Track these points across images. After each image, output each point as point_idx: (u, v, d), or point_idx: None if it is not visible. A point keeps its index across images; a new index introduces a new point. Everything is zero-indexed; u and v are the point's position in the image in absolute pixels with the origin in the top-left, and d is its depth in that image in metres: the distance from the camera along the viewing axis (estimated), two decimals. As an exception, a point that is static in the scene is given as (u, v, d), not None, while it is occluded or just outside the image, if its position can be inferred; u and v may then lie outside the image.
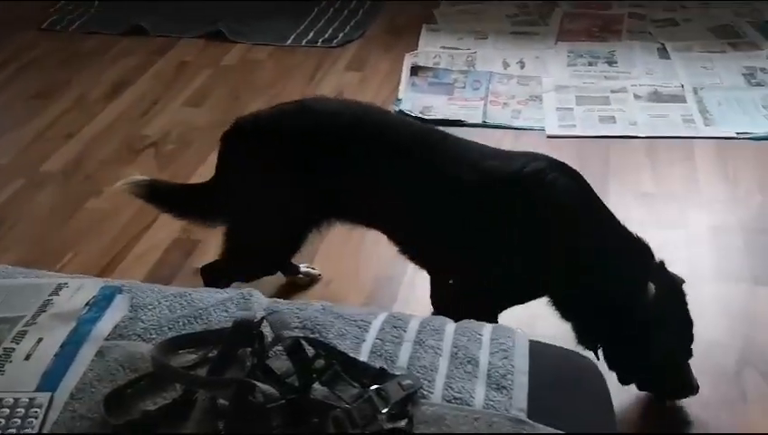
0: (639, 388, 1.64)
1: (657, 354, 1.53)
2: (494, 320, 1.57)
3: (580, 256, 1.53)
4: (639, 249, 1.57)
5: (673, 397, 1.65)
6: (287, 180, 1.63)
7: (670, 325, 1.54)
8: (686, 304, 1.58)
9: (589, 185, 1.61)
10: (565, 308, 1.61)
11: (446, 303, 1.73)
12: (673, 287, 1.56)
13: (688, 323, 1.58)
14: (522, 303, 1.67)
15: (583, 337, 1.60)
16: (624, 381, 1.60)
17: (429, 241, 1.67)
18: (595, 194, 1.61)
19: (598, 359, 1.56)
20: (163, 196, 1.79)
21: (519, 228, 1.55)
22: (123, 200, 2.37)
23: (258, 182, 1.65)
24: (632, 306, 1.51)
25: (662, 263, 1.57)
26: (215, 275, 1.81)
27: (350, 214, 1.71)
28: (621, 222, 1.59)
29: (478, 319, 1.55)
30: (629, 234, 1.58)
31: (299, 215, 1.69)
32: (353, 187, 1.62)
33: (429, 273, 1.82)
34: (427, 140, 1.63)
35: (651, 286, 1.51)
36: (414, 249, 1.71)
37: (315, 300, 1.97)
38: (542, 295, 1.63)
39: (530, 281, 1.60)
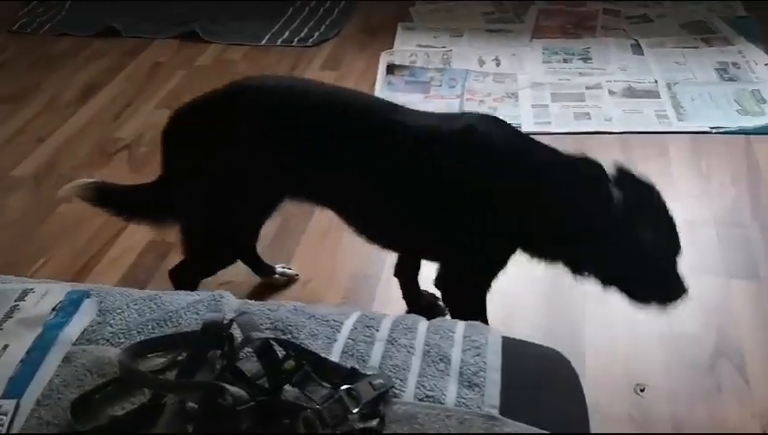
0: (640, 300, 1.59)
1: (637, 253, 1.50)
2: (484, 292, 1.64)
3: (535, 195, 1.52)
4: (589, 165, 1.56)
5: (666, 300, 1.59)
6: (230, 163, 1.59)
7: (645, 222, 1.52)
8: (658, 198, 1.55)
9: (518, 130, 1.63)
10: (541, 251, 1.60)
11: (438, 286, 1.71)
12: (636, 185, 1.55)
13: (666, 216, 1.55)
14: (500, 264, 1.63)
15: (576, 267, 1.58)
16: (632, 295, 1.57)
17: (387, 214, 1.64)
18: (528, 136, 1.63)
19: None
20: (111, 197, 1.75)
21: (468, 185, 1.52)
22: (96, 204, 2.36)
23: (204, 169, 1.62)
24: (601, 217, 1.49)
25: (620, 167, 1.55)
26: (182, 278, 1.79)
27: (300, 191, 1.68)
28: (563, 151, 1.58)
29: (471, 296, 1.65)
30: (575, 157, 1.58)
31: (248, 196, 1.65)
32: (301, 162, 1.58)
33: (395, 251, 1.80)
34: (367, 109, 1.61)
35: (616, 191, 1.50)
36: (371, 226, 1.68)
37: (292, 300, 1.96)
38: (515, 248, 1.60)
39: (496, 235, 1.58)
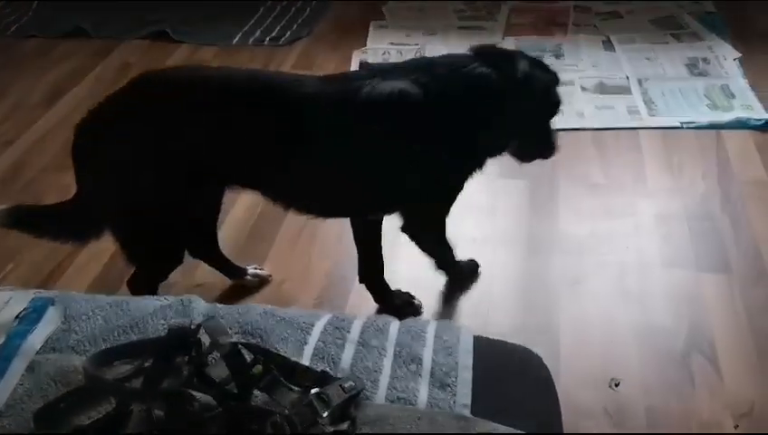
0: (527, 158, 1.81)
1: (519, 121, 1.68)
2: (444, 221, 1.78)
3: (443, 122, 1.60)
4: (466, 60, 1.62)
5: (547, 154, 1.80)
6: (140, 153, 1.57)
7: (523, 94, 1.63)
8: (526, 66, 1.65)
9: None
10: (479, 156, 1.71)
11: (405, 231, 1.79)
12: (504, 62, 1.63)
13: (541, 77, 1.68)
14: (451, 191, 1.74)
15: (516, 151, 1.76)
16: (522, 155, 1.79)
17: (323, 182, 1.65)
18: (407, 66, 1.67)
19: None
20: (29, 220, 1.71)
21: (386, 138, 1.58)
22: (65, 207, 2.32)
23: (117, 165, 1.58)
24: (498, 100, 1.61)
25: (478, 50, 1.65)
26: (138, 286, 1.77)
27: (217, 175, 1.66)
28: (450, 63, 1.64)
29: (435, 229, 1.80)
30: (449, 60, 1.65)
31: (166, 183, 1.61)
32: (209, 143, 1.58)
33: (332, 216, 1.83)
34: (262, 81, 1.63)
35: (493, 74, 1.61)
36: (300, 197, 1.70)
37: (265, 302, 1.95)
38: (460, 170, 1.71)
39: (435, 170, 1.65)
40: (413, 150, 1.60)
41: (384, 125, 1.56)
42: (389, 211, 1.77)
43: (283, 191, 1.69)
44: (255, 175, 1.66)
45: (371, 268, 1.90)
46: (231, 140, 1.58)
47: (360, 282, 1.92)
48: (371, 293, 1.92)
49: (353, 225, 1.87)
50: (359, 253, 1.90)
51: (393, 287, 1.92)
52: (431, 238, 1.84)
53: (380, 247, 1.88)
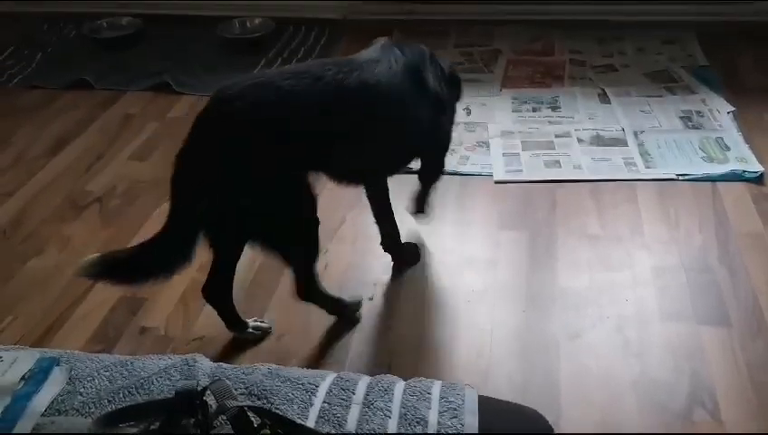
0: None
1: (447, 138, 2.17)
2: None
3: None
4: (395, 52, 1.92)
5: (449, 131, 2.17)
6: (263, 163, 1.67)
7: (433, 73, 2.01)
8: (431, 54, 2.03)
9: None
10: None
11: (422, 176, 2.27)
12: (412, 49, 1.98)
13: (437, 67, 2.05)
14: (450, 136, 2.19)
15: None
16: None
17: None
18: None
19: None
20: (118, 267, 1.70)
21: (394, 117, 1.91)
22: (66, 258, 2.33)
23: (237, 176, 1.65)
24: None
25: (384, 44, 1.96)
26: (213, 291, 1.93)
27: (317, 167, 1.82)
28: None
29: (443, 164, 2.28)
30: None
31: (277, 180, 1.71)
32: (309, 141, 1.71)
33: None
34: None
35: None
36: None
37: (266, 354, 1.96)
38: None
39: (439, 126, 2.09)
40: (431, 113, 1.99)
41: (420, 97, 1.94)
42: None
43: (354, 166, 1.93)
44: (336, 158, 1.83)
45: (389, 230, 2.24)
46: (325, 133, 1.73)
47: (385, 250, 2.25)
48: (391, 254, 2.26)
49: (372, 197, 2.19)
50: (378, 220, 2.22)
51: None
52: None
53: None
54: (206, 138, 1.67)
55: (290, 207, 1.75)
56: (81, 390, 1.10)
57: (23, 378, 1.09)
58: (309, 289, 1.94)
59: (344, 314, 2.05)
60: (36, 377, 1.09)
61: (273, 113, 1.65)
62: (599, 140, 2.84)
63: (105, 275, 1.69)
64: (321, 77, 1.72)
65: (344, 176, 1.96)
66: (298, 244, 1.85)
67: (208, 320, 2.04)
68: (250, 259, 2.24)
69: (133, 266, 1.72)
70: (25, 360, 1.12)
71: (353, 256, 2.31)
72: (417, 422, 1.05)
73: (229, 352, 1.98)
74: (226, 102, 1.67)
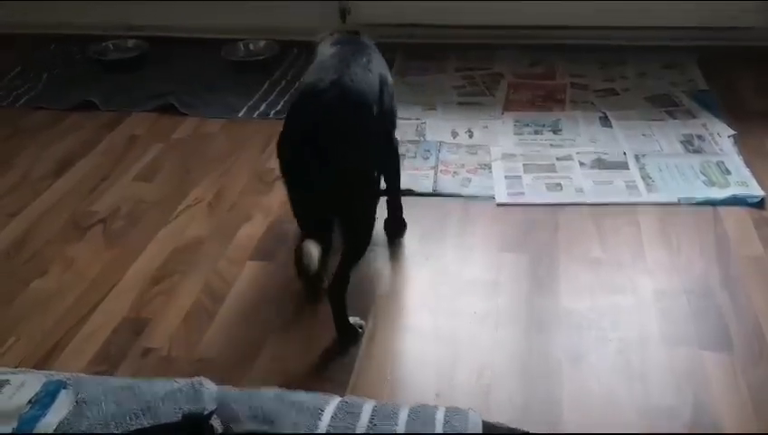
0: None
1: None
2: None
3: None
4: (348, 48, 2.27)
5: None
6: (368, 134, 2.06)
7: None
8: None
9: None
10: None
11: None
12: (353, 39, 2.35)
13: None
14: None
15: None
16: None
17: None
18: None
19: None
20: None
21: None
22: (69, 279, 2.34)
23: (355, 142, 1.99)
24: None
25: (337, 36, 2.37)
26: (343, 286, 2.05)
27: None
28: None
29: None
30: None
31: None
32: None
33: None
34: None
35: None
36: None
37: (268, 376, 1.96)
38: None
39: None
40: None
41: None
42: None
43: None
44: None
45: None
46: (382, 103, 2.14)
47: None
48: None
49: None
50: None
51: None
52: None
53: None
54: (333, 119, 1.98)
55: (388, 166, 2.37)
56: (88, 413, 1.10)
57: (30, 401, 1.10)
58: (342, 287, 2.02)
59: (347, 332, 2.06)
60: (43, 401, 1.10)
61: (362, 94, 2.04)
62: (600, 164, 2.86)
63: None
64: (364, 64, 2.13)
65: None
66: (363, 233, 2.09)
67: (212, 340, 2.04)
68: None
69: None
70: (32, 383, 1.13)
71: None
72: (421, 447, 1.06)
73: (232, 374, 1.97)
74: (345, 87, 2.01)
